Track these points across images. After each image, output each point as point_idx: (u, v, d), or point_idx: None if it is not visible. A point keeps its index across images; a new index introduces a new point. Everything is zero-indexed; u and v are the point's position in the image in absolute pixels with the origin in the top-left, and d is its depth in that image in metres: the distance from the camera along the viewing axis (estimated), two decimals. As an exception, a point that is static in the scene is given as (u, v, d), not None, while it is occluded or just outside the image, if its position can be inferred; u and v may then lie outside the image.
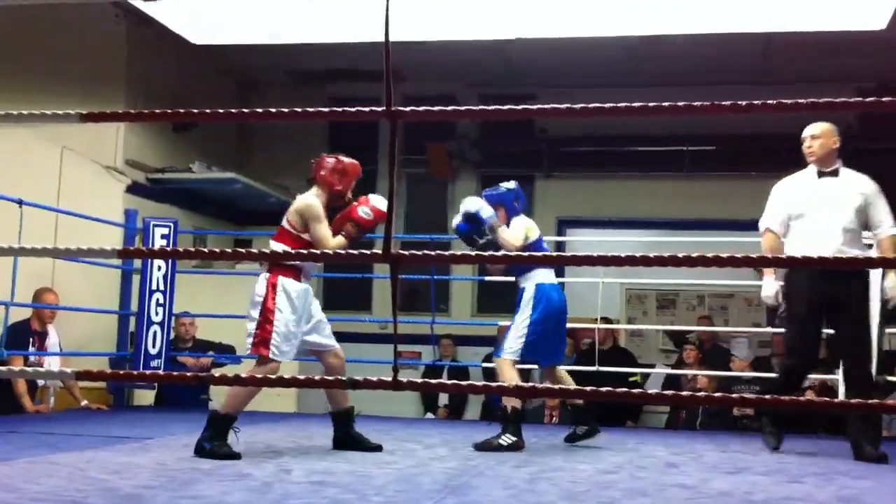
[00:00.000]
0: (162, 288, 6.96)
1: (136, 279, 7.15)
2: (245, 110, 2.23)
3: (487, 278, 8.01)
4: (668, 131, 8.97)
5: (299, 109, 2.24)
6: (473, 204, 4.93)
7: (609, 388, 2.01)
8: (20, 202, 5.59)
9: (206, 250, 2.17)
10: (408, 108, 2.07)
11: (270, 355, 4.26)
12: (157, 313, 6.93)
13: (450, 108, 2.16)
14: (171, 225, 7.08)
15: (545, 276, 5.01)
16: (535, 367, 5.58)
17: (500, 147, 9.74)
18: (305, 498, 3.16)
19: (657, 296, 10.06)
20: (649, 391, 2.03)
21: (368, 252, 2.23)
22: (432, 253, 2.13)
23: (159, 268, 6.94)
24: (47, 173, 7.11)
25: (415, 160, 9.28)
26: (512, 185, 5.15)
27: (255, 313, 4.30)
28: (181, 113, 2.60)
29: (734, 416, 7.13)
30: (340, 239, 4.44)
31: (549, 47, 7.90)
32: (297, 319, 4.37)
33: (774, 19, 7.02)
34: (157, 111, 3.06)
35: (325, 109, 2.25)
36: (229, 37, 7.82)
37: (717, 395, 1.95)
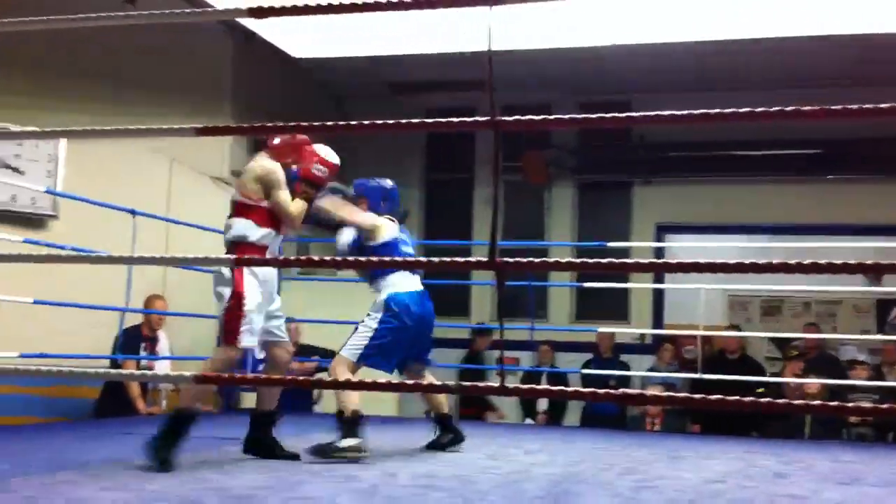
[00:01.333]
0: (268, 293, 7.11)
1: (241, 286, 7.33)
2: (353, 123, 2.28)
3: (586, 284, 7.98)
4: (768, 136, 8.77)
5: (405, 121, 2.29)
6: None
7: (719, 396, 1.99)
8: (133, 212, 5.80)
9: (315, 258, 2.24)
10: (511, 118, 2.09)
11: (239, 344, 4.01)
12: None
13: (552, 117, 2.18)
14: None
15: (401, 284, 4.66)
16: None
17: (597, 154, 9.69)
18: (411, 501, 3.20)
19: (761, 302, 9.86)
20: (758, 399, 2.01)
21: (474, 260, 2.25)
22: (537, 260, 2.16)
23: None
24: (157, 185, 7.36)
25: (511, 167, 9.28)
26: (388, 183, 4.91)
27: (226, 298, 4.03)
28: (284, 127, 2.68)
29: (847, 424, 6.92)
30: (300, 203, 4.18)
31: (645, 53, 7.83)
32: (262, 305, 4.10)
33: (872, 20, 6.82)
34: (268, 125, 3.16)
35: (431, 121, 2.29)
36: (329, 50, 7.98)
37: (819, 402, 1.92)
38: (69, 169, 6.49)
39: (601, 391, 2.09)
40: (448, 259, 2.50)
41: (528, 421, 8.18)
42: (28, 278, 5.74)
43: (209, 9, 2.54)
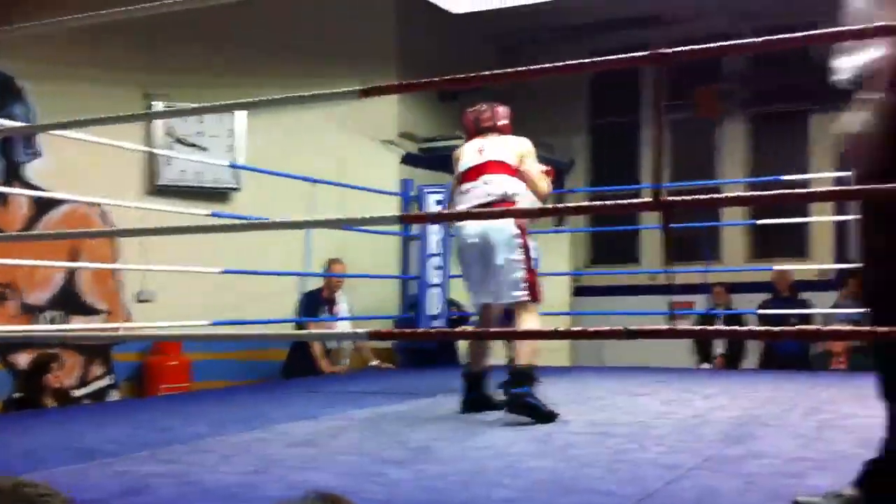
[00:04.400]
0: (439, 252, 7.25)
1: (414, 245, 7.51)
2: (512, 70, 2.23)
3: (760, 221, 7.69)
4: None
5: (561, 64, 2.24)
6: None
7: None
8: (310, 180, 6.03)
9: (485, 210, 2.25)
10: (672, 50, 2.01)
11: (542, 299, 4.16)
12: (435, 276, 7.24)
13: (716, 44, 2.06)
14: (445, 190, 7.36)
15: None
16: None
17: (772, 84, 9.24)
18: (587, 448, 3.23)
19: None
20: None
21: (637, 201, 2.18)
22: (703, 197, 2.07)
23: (435, 233, 7.24)
24: (331, 151, 7.59)
25: (679, 105, 9.00)
26: None
27: (518, 255, 4.05)
28: (448, 80, 2.68)
29: None
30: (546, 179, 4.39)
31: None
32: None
33: None
34: (427, 80, 3.18)
35: (588, 61, 2.23)
36: (485, 2, 7.94)
37: None
38: (249, 142, 6.79)
39: (776, 329, 2.01)
40: (611, 202, 2.47)
41: (705, 366, 8.02)
42: (217, 250, 6.09)
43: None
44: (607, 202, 2.22)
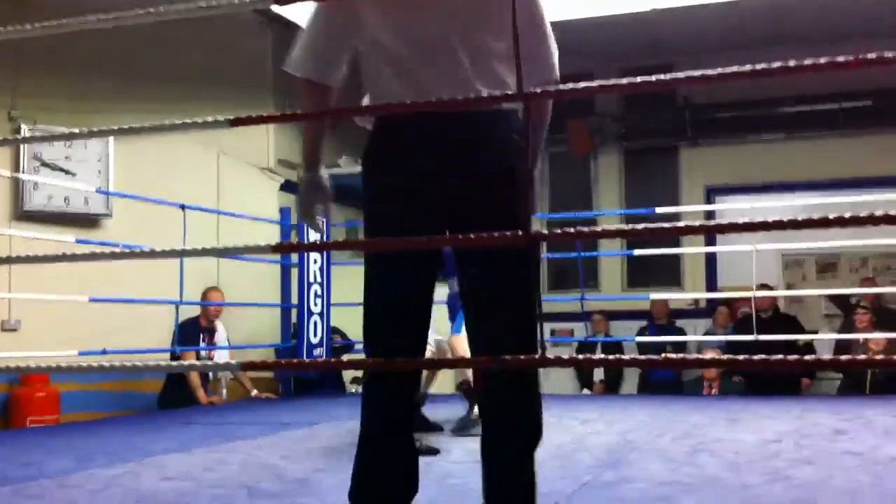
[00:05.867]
0: (319, 280, 7.20)
1: (294, 273, 7.43)
2: (383, 104, 2.28)
3: (636, 252, 7.92)
4: (818, 90, 8.60)
5: (434, 100, 2.29)
6: None
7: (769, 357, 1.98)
8: (182, 206, 5.90)
9: (357, 241, 2.26)
10: (539, 90, 2.09)
11: None
12: (316, 304, 7.18)
13: (581, 84, 2.15)
14: (324, 219, 7.31)
15: None
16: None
17: (642, 120, 9.57)
18: (466, 476, 3.23)
19: (816, 260, 9.71)
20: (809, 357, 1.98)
21: (507, 233, 2.23)
22: (571, 230, 2.12)
23: (315, 261, 7.18)
24: (206, 177, 7.46)
25: (556, 139, 9.23)
26: None
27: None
28: (320, 113, 2.70)
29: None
30: None
31: (689, 16, 7.68)
32: None
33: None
34: (300, 112, 3.19)
35: (461, 98, 2.28)
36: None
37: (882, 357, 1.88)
38: (120, 168, 6.61)
39: (643, 357, 2.07)
40: (482, 234, 2.50)
41: (586, 391, 8.17)
42: (84, 278, 5.88)
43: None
44: (479, 234, 2.24)
